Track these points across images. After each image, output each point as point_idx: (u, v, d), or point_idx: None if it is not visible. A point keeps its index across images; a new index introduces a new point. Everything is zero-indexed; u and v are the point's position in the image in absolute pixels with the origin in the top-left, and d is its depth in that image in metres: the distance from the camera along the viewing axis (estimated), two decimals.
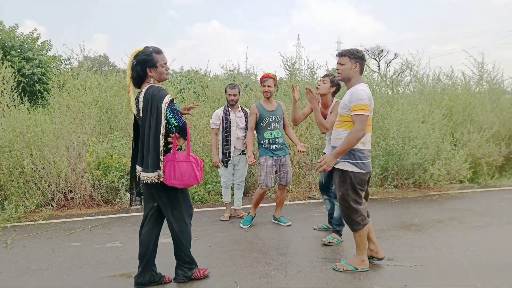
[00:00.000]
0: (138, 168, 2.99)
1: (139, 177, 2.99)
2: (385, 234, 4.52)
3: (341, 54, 3.37)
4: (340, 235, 4.27)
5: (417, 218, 5.13)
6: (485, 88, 9.23)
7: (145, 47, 2.99)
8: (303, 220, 5.15)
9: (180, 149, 3.08)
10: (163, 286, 3.25)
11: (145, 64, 2.91)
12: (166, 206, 3.09)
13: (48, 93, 6.81)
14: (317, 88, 4.34)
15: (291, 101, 5.72)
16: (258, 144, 4.79)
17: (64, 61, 14.64)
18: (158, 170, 2.88)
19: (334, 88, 4.28)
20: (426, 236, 4.44)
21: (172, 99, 2.89)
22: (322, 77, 4.38)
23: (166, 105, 2.82)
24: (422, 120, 7.22)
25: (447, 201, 6.11)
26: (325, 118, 4.29)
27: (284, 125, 4.87)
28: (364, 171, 3.31)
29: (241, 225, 4.83)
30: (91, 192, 5.82)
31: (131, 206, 3.25)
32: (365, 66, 3.46)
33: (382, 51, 42.05)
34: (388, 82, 8.73)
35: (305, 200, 6.25)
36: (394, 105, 7.18)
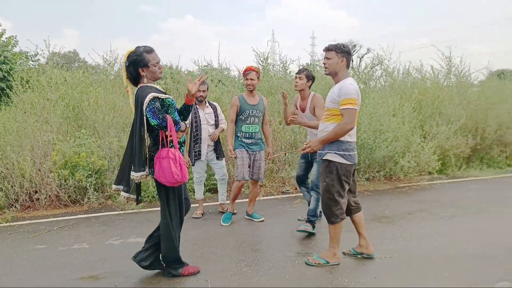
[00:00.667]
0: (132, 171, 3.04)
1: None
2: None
3: (327, 49, 3.38)
4: (314, 226, 4.29)
5: (388, 210, 5.20)
6: (453, 81, 9.46)
7: (137, 47, 3.00)
8: (276, 215, 5.14)
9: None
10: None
11: (136, 64, 2.95)
12: (162, 200, 3.11)
13: (11, 91, 6.54)
14: (295, 85, 4.44)
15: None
16: (235, 136, 4.72)
17: (31, 58, 14.10)
18: (143, 169, 2.94)
19: (310, 82, 4.44)
20: (396, 228, 4.51)
21: (154, 98, 2.86)
22: (297, 74, 4.45)
23: (146, 104, 2.83)
24: (393, 113, 7.33)
25: (417, 193, 6.24)
26: (303, 111, 4.45)
27: (263, 121, 4.84)
28: (350, 163, 3.34)
29: (222, 223, 4.75)
30: (58, 192, 5.62)
31: (136, 204, 3.24)
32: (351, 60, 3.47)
33: (355, 45, 42.60)
34: (361, 76, 8.82)
35: (278, 195, 6.24)
36: (366, 99, 7.25)
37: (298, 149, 4.43)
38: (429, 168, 7.09)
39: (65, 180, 5.60)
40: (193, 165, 4.92)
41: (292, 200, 5.89)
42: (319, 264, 3.47)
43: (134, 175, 2.97)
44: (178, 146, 3.01)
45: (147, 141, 3.01)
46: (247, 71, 4.64)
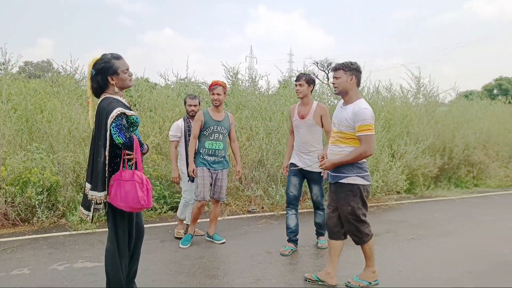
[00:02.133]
0: (87, 185, 2.75)
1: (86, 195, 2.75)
2: (319, 251, 4.37)
3: (335, 68, 3.31)
4: (324, 235, 4.34)
5: None
6: (421, 101, 9.54)
7: (103, 55, 2.75)
8: (239, 237, 4.90)
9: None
10: None
11: (105, 72, 2.69)
12: (109, 223, 2.82)
13: None
14: (297, 92, 4.25)
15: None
16: (197, 153, 4.46)
17: (2, 65, 13.53)
18: (105, 190, 2.66)
19: (312, 86, 4.27)
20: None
21: (121, 114, 2.58)
22: (296, 81, 4.27)
23: (112, 119, 2.54)
24: None
25: (384, 213, 6.14)
26: (303, 118, 4.23)
27: (230, 138, 4.63)
28: (369, 183, 3.33)
29: (180, 245, 4.45)
30: (6, 210, 5.21)
31: (91, 222, 2.90)
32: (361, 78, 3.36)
33: (330, 63, 43.40)
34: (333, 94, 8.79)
35: (244, 214, 6.01)
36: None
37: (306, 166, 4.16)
38: (397, 187, 7.02)
39: (14, 197, 5.22)
40: (192, 181, 4.52)
41: (258, 220, 5.67)
42: (360, 286, 3.35)
43: (96, 195, 2.66)
44: (142, 167, 2.76)
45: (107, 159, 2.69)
46: (213, 86, 4.42)
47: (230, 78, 8.09)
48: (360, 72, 3.31)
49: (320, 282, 3.45)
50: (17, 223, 5.30)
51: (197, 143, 4.46)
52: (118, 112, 2.57)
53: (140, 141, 2.75)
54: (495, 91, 37.12)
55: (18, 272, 3.72)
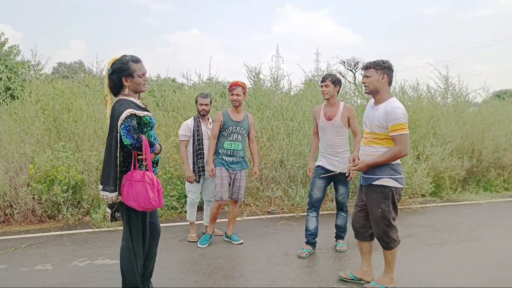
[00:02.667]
0: (100, 186, 2.84)
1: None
2: (337, 254, 4.32)
3: (366, 67, 3.25)
4: (343, 238, 4.42)
5: None
6: (449, 101, 9.25)
7: (123, 55, 2.82)
8: (257, 238, 4.90)
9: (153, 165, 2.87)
10: None
11: (121, 73, 2.75)
12: (124, 222, 2.88)
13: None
14: (323, 93, 4.20)
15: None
16: (216, 153, 4.48)
17: (34, 67, 14.09)
18: (116, 191, 2.72)
19: (338, 87, 4.20)
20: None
21: (131, 115, 2.63)
22: (322, 82, 4.21)
23: (121, 121, 2.61)
24: None
25: (408, 217, 5.99)
26: (330, 119, 4.16)
27: (249, 139, 4.63)
28: (403, 186, 3.25)
29: (199, 245, 4.50)
30: (33, 206, 5.41)
31: (111, 221, 2.99)
32: (392, 77, 3.28)
33: (358, 62, 42.74)
34: (363, 93, 8.64)
35: (263, 215, 6.00)
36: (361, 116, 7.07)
37: (335, 172, 4.11)
38: (422, 190, 6.83)
39: (42, 194, 5.41)
40: (198, 181, 4.63)
41: (277, 221, 5.65)
42: None
43: (108, 196, 2.74)
44: (152, 168, 2.81)
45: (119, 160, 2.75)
46: (232, 86, 4.42)
47: (252, 78, 8.09)
48: (392, 70, 3.23)
49: (356, 280, 3.47)
50: (44, 219, 5.50)
51: (217, 143, 4.47)
52: (128, 114, 2.62)
53: (150, 142, 2.79)
54: None
55: (41, 268, 3.86)
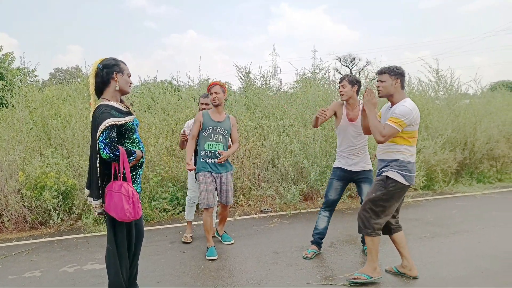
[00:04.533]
0: (86, 191, 2.88)
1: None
2: (329, 249, 4.32)
3: (380, 72, 3.40)
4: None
5: None
6: (441, 94, 9.25)
7: (110, 57, 2.86)
8: (248, 237, 4.90)
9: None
10: None
11: (111, 67, 2.78)
12: (108, 226, 2.87)
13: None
14: (341, 95, 4.07)
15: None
16: (198, 157, 4.36)
17: (29, 74, 14.07)
18: (100, 198, 2.75)
19: (356, 87, 4.06)
20: (388, 246, 4.26)
21: (110, 126, 2.62)
22: (340, 83, 4.11)
23: (99, 133, 2.59)
24: None
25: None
26: (352, 121, 4.05)
27: (231, 140, 4.49)
28: (407, 184, 3.32)
29: (208, 257, 4.16)
30: (24, 214, 5.41)
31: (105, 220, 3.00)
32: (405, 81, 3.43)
33: (354, 58, 42.71)
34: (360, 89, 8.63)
35: (256, 214, 6.00)
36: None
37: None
38: (414, 184, 6.82)
39: (33, 201, 5.40)
40: (195, 177, 4.48)
41: (269, 220, 5.65)
42: (359, 279, 3.36)
43: (93, 202, 2.77)
44: (131, 179, 2.81)
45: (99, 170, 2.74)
46: (210, 86, 4.33)
47: (242, 78, 8.09)
48: (404, 76, 3.39)
49: (403, 276, 3.54)
50: (36, 226, 5.49)
51: (198, 146, 4.36)
52: (106, 125, 2.60)
53: (129, 151, 2.78)
54: None
55: (30, 275, 3.85)
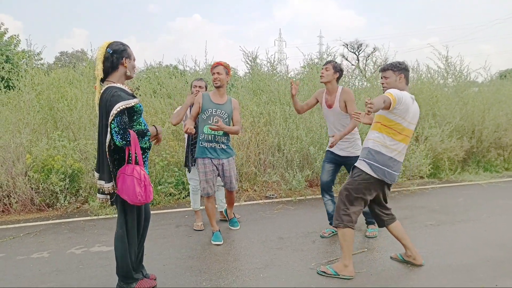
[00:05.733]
0: (96, 174, 2.87)
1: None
2: (333, 239, 4.31)
3: (384, 69, 3.38)
4: (374, 223, 4.26)
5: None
6: (450, 81, 9.15)
7: (116, 41, 2.85)
8: (253, 222, 4.92)
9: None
10: None
11: (121, 53, 2.79)
12: (119, 210, 2.92)
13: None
14: (321, 76, 4.15)
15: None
16: (197, 141, 4.25)
17: (34, 57, 14.05)
18: (112, 181, 2.76)
19: (337, 74, 4.13)
20: (375, 237, 4.27)
21: (121, 111, 2.61)
22: (324, 65, 4.18)
23: (112, 117, 2.59)
24: None
25: (405, 199, 5.98)
26: (330, 107, 4.14)
27: (233, 122, 4.25)
28: (375, 176, 3.21)
29: (213, 242, 4.18)
30: (32, 196, 5.46)
31: (111, 205, 3.03)
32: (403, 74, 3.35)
33: (361, 45, 42.21)
34: (367, 76, 8.57)
35: (261, 200, 6.02)
36: (361, 99, 7.01)
37: None
38: (420, 172, 6.81)
39: (40, 183, 5.45)
40: (189, 171, 4.59)
41: (274, 206, 5.66)
42: (325, 273, 3.31)
43: (104, 185, 2.76)
44: (142, 161, 2.80)
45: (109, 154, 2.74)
46: (214, 66, 4.14)
47: (249, 63, 8.03)
48: (408, 70, 3.35)
49: (405, 262, 3.55)
50: (43, 208, 5.54)
51: (197, 130, 4.22)
52: (118, 110, 2.60)
53: (142, 131, 2.79)
54: None
55: (38, 256, 3.90)
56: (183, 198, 5.96)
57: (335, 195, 4.36)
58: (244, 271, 3.45)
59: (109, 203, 2.90)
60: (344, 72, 4.42)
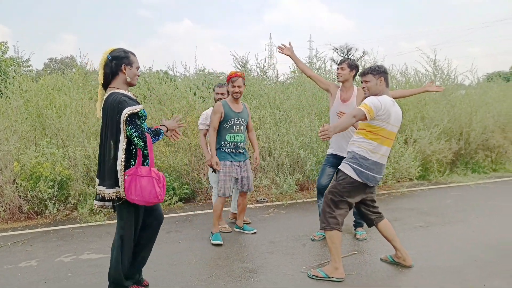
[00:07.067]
0: (97, 180, 2.84)
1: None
2: (323, 242, 4.31)
3: (363, 73, 3.43)
4: (363, 225, 4.35)
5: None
6: (438, 84, 9.25)
7: (121, 47, 2.86)
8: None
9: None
10: None
11: (121, 59, 2.79)
12: (117, 216, 2.91)
13: None
14: (338, 75, 4.21)
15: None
16: (217, 148, 4.31)
17: (23, 63, 13.90)
18: (116, 187, 2.72)
19: (354, 71, 4.20)
20: (365, 240, 4.30)
21: (132, 114, 2.65)
22: (339, 64, 4.22)
23: (124, 124, 2.64)
24: None
25: (395, 200, 6.03)
26: (344, 101, 4.18)
27: (248, 129, 4.53)
28: (359, 180, 3.25)
29: (214, 242, 4.26)
30: (20, 204, 5.39)
31: (114, 211, 3.04)
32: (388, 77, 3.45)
33: (350, 49, 42.56)
34: (356, 79, 8.62)
35: (252, 204, 6.02)
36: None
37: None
38: (409, 174, 6.88)
39: (28, 191, 5.38)
40: (215, 172, 4.46)
41: (265, 210, 5.67)
42: (317, 276, 3.32)
43: (106, 192, 2.72)
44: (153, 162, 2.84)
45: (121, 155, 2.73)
46: (233, 77, 4.21)
47: (239, 68, 8.05)
48: (387, 73, 3.41)
49: (395, 264, 3.58)
50: (31, 216, 5.48)
51: (217, 137, 4.31)
52: (129, 112, 2.63)
53: (155, 131, 2.83)
54: None
55: (26, 264, 3.85)
56: (174, 204, 5.94)
57: None
58: (235, 276, 3.44)
59: (112, 209, 2.91)
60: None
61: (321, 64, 8.34)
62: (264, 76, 7.81)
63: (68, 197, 5.64)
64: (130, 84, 2.88)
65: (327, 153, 4.40)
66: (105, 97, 2.74)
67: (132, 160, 2.77)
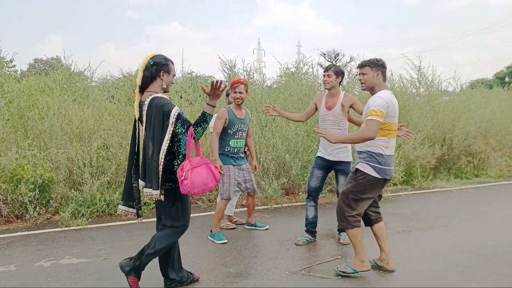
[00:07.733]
0: (141, 183, 2.94)
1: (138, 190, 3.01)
2: (308, 247, 4.33)
3: (361, 65, 3.43)
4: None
5: None
6: (422, 90, 9.39)
7: (162, 55, 2.99)
8: (228, 231, 4.86)
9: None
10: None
11: (161, 66, 2.90)
12: (166, 213, 3.06)
13: None
14: (324, 83, 4.22)
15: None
16: (220, 153, 4.39)
17: (7, 64, 13.64)
18: (160, 188, 2.80)
19: (340, 78, 4.23)
20: (348, 244, 4.32)
21: (178, 113, 2.78)
22: (325, 71, 4.23)
23: (173, 124, 2.74)
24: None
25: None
26: (330, 109, 4.20)
27: (247, 135, 4.63)
28: (379, 177, 3.28)
29: (218, 242, 4.42)
30: (0, 207, 5.27)
31: (137, 218, 3.11)
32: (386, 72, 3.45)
33: (338, 54, 42.91)
34: (343, 84, 8.67)
35: (237, 208, 5.97)
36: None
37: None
38: (393, 179, 6.94)
39: (9, 194, 5.26)
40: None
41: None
42: (344, 272, 3.41)
43: (152, 193, 2.75)
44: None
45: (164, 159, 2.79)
46: (235, 84, 4.36)
47: (226, 71, 8.04)
48: (385, 67, 3.40)
49: (380, 269, 3.59)
50: (11, 220, 5.36)
51: (220, 142, 4.40)
52: (176, 115, 2.74)
53: (202, 116, 2.85)
54: (506, 79, 36.41)
55: (4, 269, 3.76)
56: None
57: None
58: (218, 281, 3.42)
59: (135, 216, 3.06)
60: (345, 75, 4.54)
61: (308, 69, 8.37)
62: (251, 79, 7.79)
63: (49, 201, 5.54)
64: (164, 91, 2.97)
65: (316, 155, 4.45)
66: (148, 100, 2.78)
67: (175, 161, 2.87)
